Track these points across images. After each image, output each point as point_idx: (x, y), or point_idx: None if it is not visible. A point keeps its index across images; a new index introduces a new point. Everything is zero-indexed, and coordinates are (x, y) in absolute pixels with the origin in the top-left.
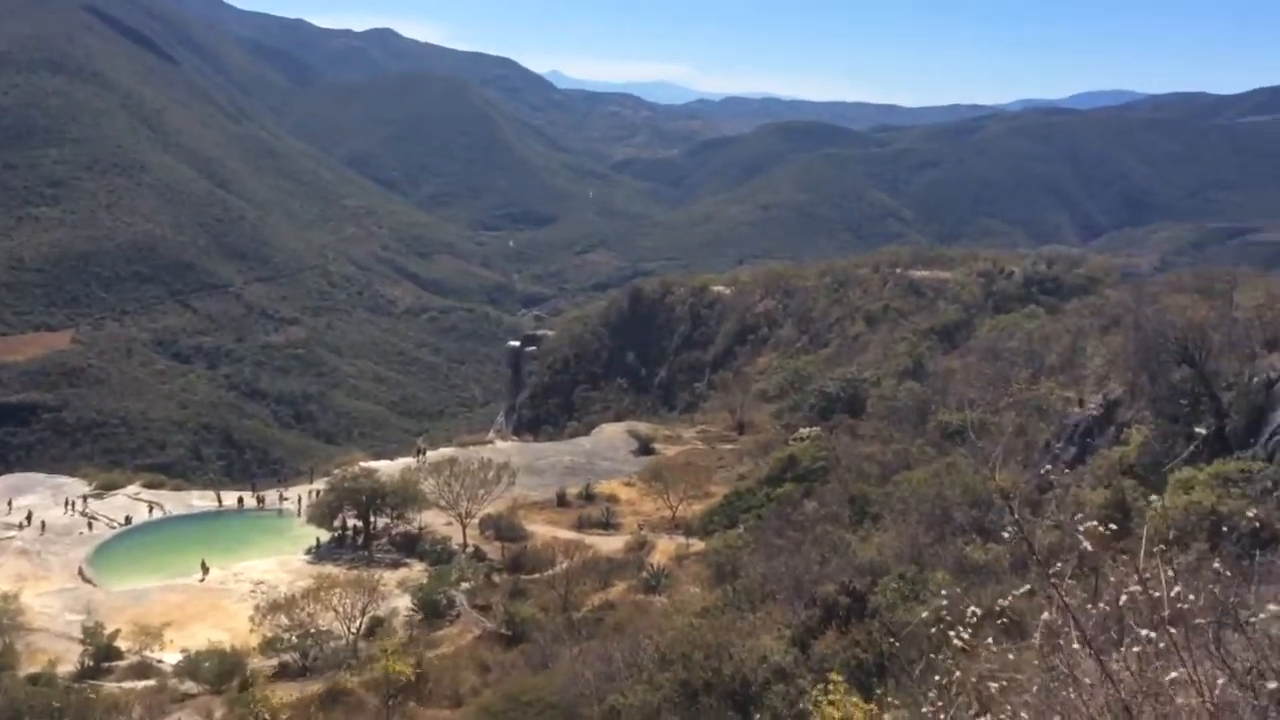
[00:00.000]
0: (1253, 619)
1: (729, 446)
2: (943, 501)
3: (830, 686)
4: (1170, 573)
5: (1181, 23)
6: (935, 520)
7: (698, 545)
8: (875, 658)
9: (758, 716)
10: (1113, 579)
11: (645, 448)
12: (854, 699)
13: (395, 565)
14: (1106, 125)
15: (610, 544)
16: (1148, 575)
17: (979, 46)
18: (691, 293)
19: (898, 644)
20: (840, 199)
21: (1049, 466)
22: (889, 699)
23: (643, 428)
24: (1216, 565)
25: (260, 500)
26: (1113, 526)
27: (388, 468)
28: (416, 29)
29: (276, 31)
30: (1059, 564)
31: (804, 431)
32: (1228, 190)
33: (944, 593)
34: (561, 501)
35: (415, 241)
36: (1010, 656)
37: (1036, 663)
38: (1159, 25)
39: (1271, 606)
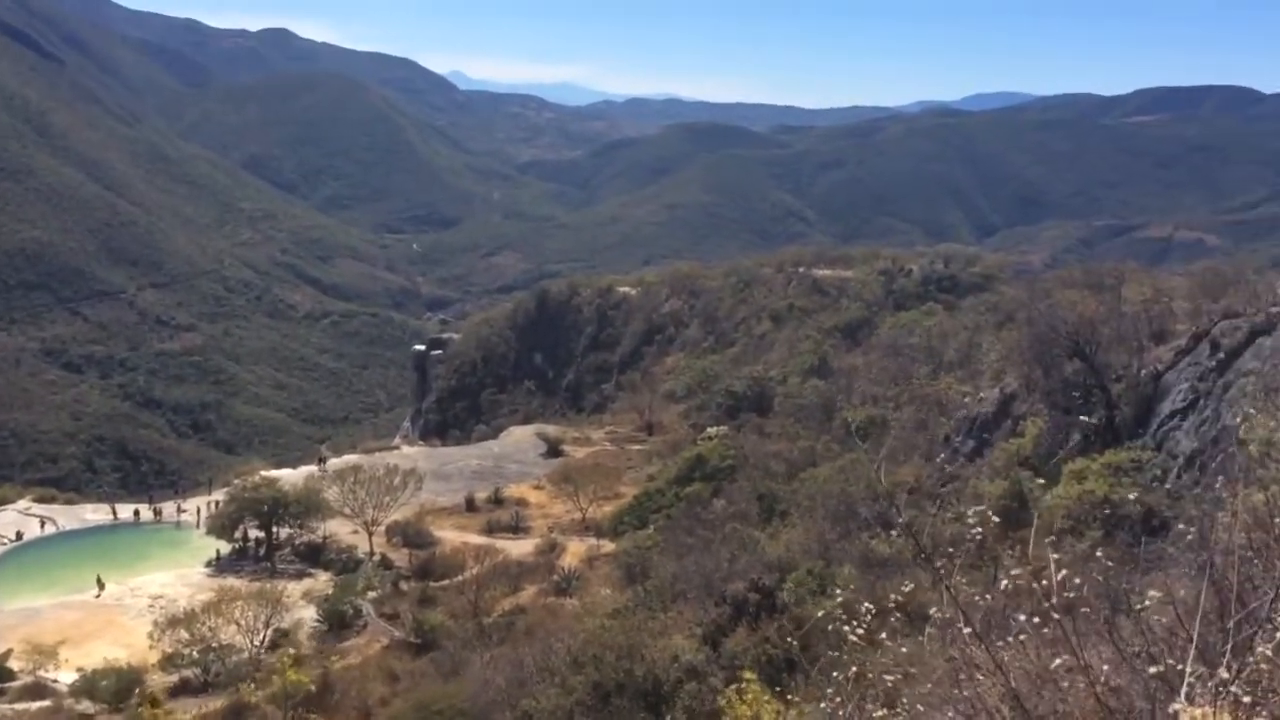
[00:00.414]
0: (1142, 605)
1: (638, 447)
2: (848, 497)
3: (743, 685)
4: (1057, 559)
5: (1069, 25)
6: (841, 516)
7: (608, 546)
8: (785, 654)
9: (669, 716)
10: (1009, 569)
11: (554, 450)
12: (765, 696)
13: (299, 576)
14: (999, 126)
15: (520, 548)
16: (1040, 565)
17: (876, 49)
18: (598, 294)
19: (798, 641)
20: (744, 199)
21: (942, 458)
22: (792, 696)
23: (551, 430)
24: (1100, 554)
25: (157, 513)
26: (995, 519)
27: (290, 476)
28: (313, 29)
29: (167, 32)
30: (951, 556)
31: (712, 431)
32: (1114, 188)
33: (840, 589)
34: (470, 506)
35: (315, 245)
36: (904, 650)
37: (932, 654)
38: (1047, 28)
39: (1153, 592)
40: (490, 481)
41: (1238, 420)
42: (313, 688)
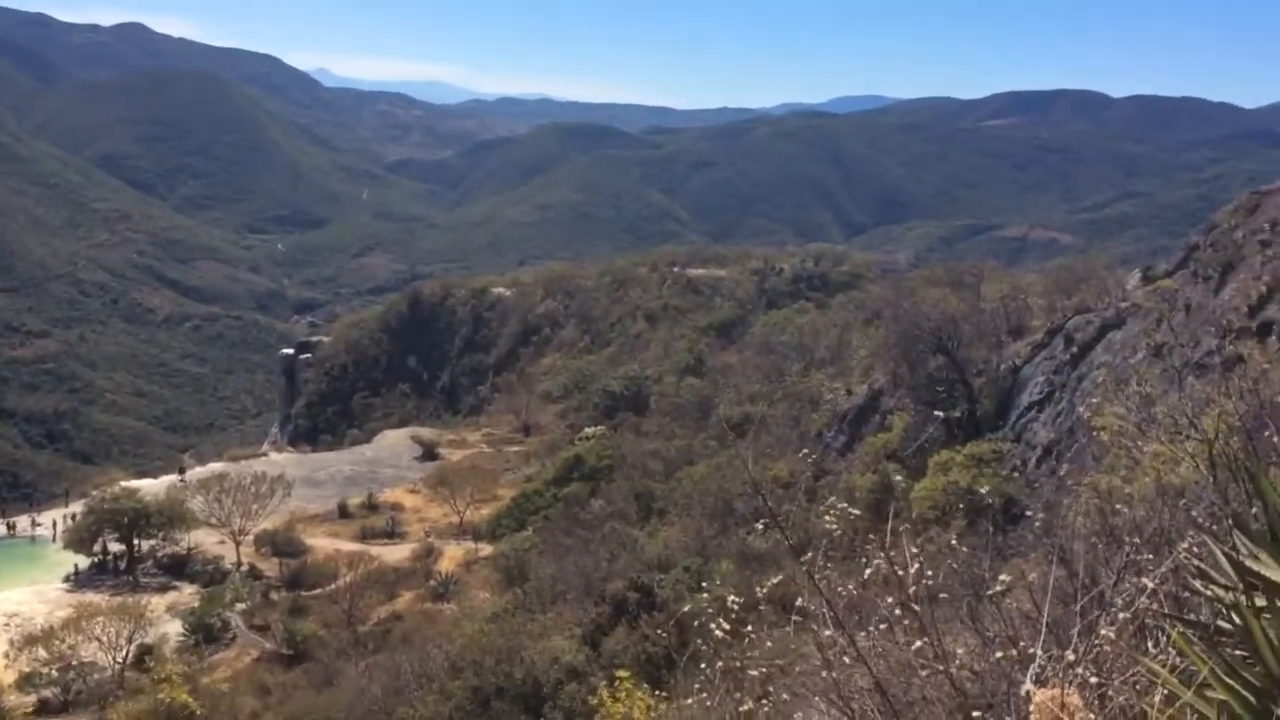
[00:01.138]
0: (993, 591)
1: (515, 448)
2: (724, 494)
3: (617, 682)
4: (917, 550)
5: (928, 30)
6: (718, 512)
7: (486, 549)
8: (664, 650)
9: (549, 717)
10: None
11: (430, 453)
12: (639, 693)
13: (164, 589)
14: (864, 128)
15: (396, 553)
16: (901, 553)
17: (743, 52)
18: (472, 295)
19: (675, 637)
20: (618, 199)
21: (814, 453)
22: (665, 691)
23: (426, 433)
24: (957, 542)
25: (10, 527)
26: (857, 513)
27: (151, 487)
28: (170, 24)
29: (15, 26)
30: (822, 549)
31: (589, 431)
32: (973, 189)
33: (706, 585)
34: (343, 513)
35: (175, 246)
36: (770, 644)
37: (802, 645)
38: (907, 33)
39: (1004, 577)
40: (364, 487)
41: (1089, 411)
42: (196, 709)
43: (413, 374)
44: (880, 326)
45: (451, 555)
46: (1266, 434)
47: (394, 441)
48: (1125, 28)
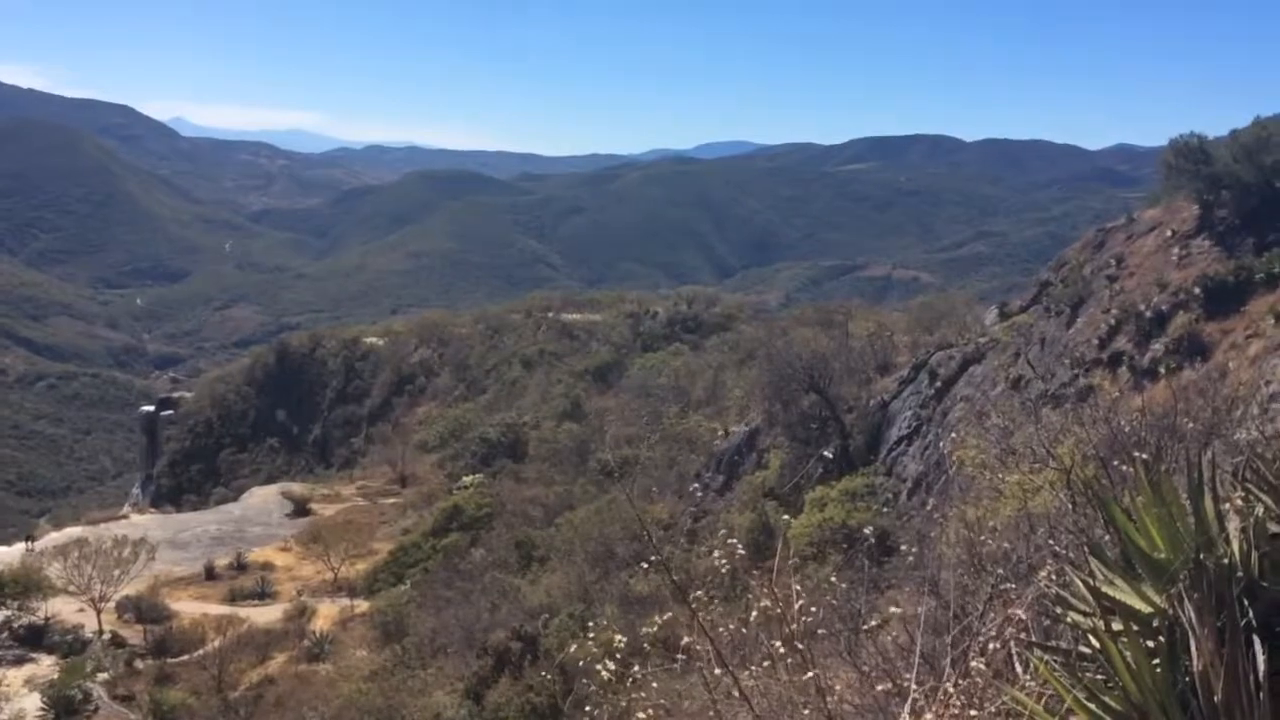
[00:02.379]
0: (867, 625)
1: (391, 501)
2: (606, 538)
3: None
4: (797, 589)
5: (790, 78)
6: (600, 557)
7: (363, 606)
8: (549, 700)
9: None
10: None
11: (301, 509)
12: None
13: (20, 662)
14: (731, 173)
15: (267, 614)
16: (786, 593)
17: (611, 99)
18: (343, 345)
19: (553, 684)
20: (490, 246)
21: (695, 487)
22: None
23: (297, 488)
24: (832, 578)
25: None
26: (742, 550)
27: (4, 554)
28: (20, 75)
29: None
30: (705, 589)
31: (467, 480)
32: (837, 231)
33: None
34: (210, 574)
35: (26, 303)
36: (655, 686)
37: (688, 686)
38: (769, 80)
39: (892, 609)
40: (232, 546)
41: (953, 445)
42: None
43: (282, 428)
44: (754, 366)
45: (326, 614)
46: (1117, 461)
47: (263, 498)
48: (976, 74)
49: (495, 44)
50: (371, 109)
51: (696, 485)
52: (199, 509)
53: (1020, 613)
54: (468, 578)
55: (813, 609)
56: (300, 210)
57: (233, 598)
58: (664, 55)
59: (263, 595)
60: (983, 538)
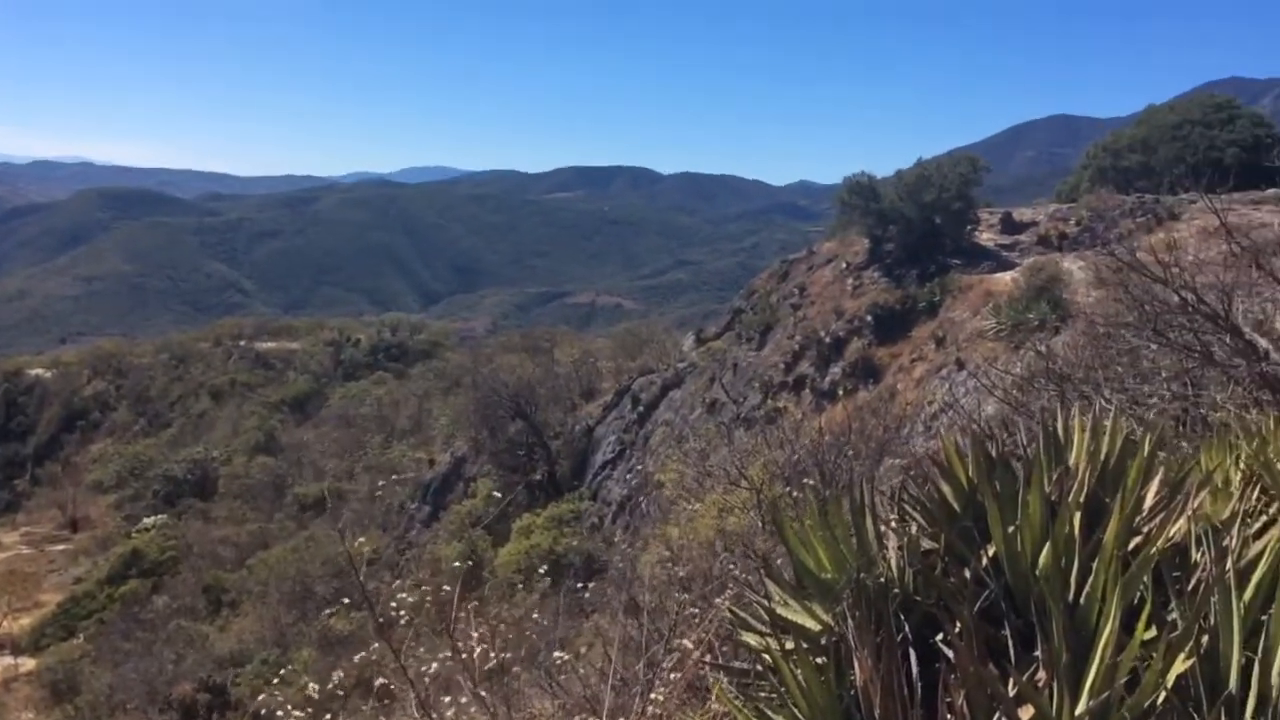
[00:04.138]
0: (570, 655)
1: (61, 547)
2: (304, 576)
3: None
4: (492, 625)
5: (493, 105)
6: (298, 597)
7: (29, 664)
8: None
9: None
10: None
11: None
12: None
13: None
14: (435, 198)
15: None
16: (495, 624)
17: (308, 119)
18: (5, 378)
19: None
20: (174, 270)
21: (400, 526)
22: None
23: None
24: (534, 614)
25: None
26: (445, 588)
27: None
28: None
29: None
30: (410, 624)
31: (149, 521)
32: (543, 258)
33: (284, 674)
34: None
35: None
36: None
37: None
38: (472, 106)
39: (582, 650)
40: None
41: (654, 467)
42: None
43: None
44: (460, 394)
45: None
46: (802, 482)
47: None
48: (671, 110)
49: (177, 53)
50: (36, 121)
51: (404, 523)
52: None
53: (706, 634)
54: (149, 627)
55: (511, 637)
56: None
57: None
58: (364, 75)
59: None
60: (671, 564)
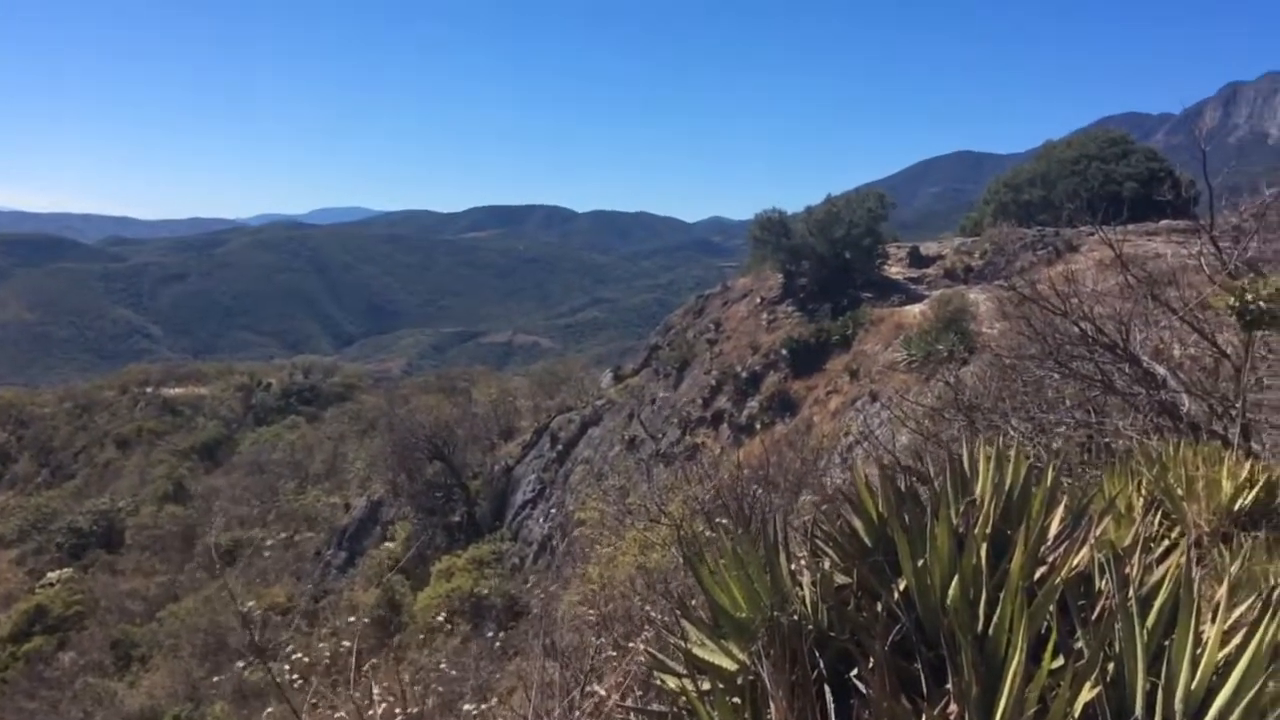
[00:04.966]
0: (491, 701)
1: None
2: (217, 628)
3: None
4: (392, 684)
5: (404, 147)
6: (211, 649)
7: None
8: None
9: None
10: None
11: None
12: None
13: None
14: (347, 239)
15: None
16: (417, 669)
17: (214, 162)
18: None
19: None
20: (77, 317)
21: (315, 573)
22: None
23: None
24: (448, 660)
25: None
26: (346, 640)
27: None
28: None
29: None
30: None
31: (53, 575)
32: (458, 298)
33: None
34: None
35: None
36: None
37: None
38: (382, 147)
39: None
40: None
41: (574, 506)
42: None
43: None
44: (376, 437)
45: None
46: (718, 519)
47: None
48: (585, 148)
49: (75, 93)
50: None
51: (319, 570)
52: None
53: (625, 677)
54: (56, 685)
55: (441, 681)
56: None
57: None
58: (272, 115)
59: None
60: (589, 605)
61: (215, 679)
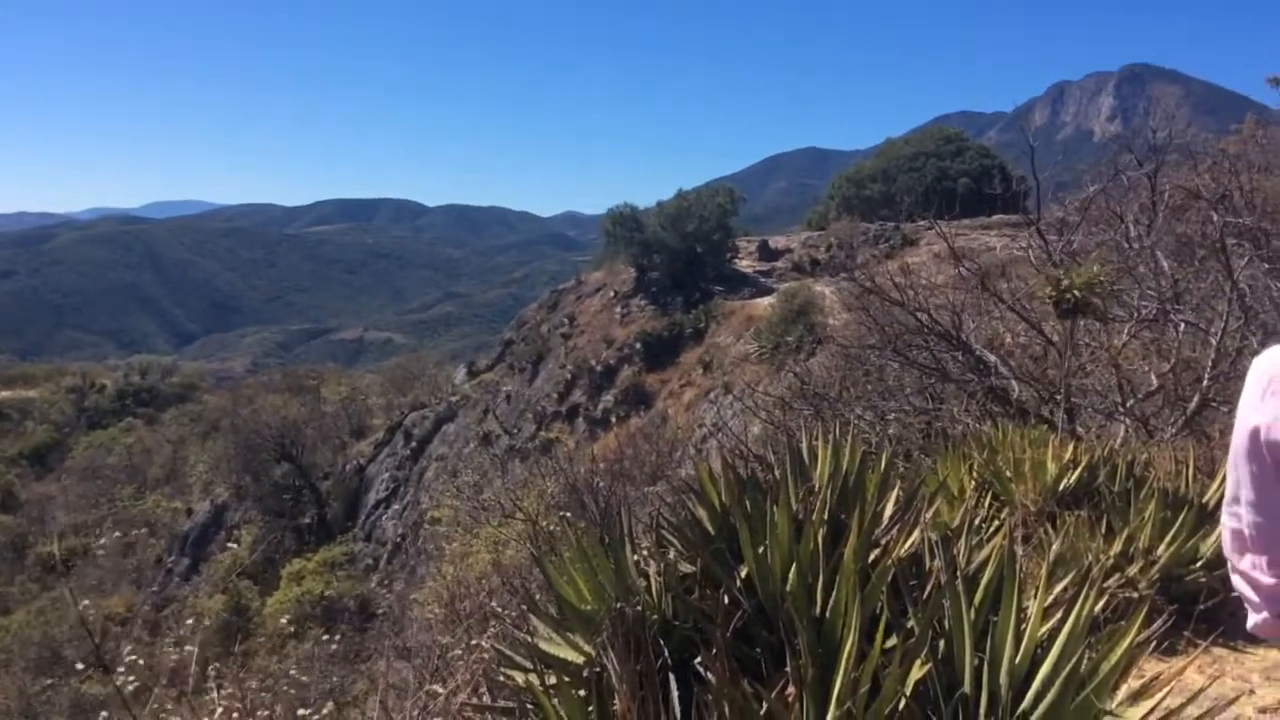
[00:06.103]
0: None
1: None
2: (51, 641)
3: None
4: (234, 692)
5: (246, 139)
6: (46, 663)
7: None
8: None
9: None
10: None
11: None
12: None
13: None
14: (185, 233)
15: None
16: (265, 677)
17: (41, 151)
18: None
19: None
20: None
21: (157, 581)
22: None
23: None
24: (298, 665)
25: None
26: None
27: None
28: None
29: None
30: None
31: None
32: (306, 294)
33: None
34: None
35: None
36: None
37: None
38: (219, 138)
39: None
40: None
41: (429, 503)
42: None
43: None
44: (219, 438)
45: None
46: (563, 513)
47: None
48: (436, 141)
49: None
50: None
51: (161, 577)
52: None
53: (474, 674)
54: None
55: (292, 688)
56: None
57: None
58: (102, 103)
59: None
60: (438, 603)
61: (49, 694)
